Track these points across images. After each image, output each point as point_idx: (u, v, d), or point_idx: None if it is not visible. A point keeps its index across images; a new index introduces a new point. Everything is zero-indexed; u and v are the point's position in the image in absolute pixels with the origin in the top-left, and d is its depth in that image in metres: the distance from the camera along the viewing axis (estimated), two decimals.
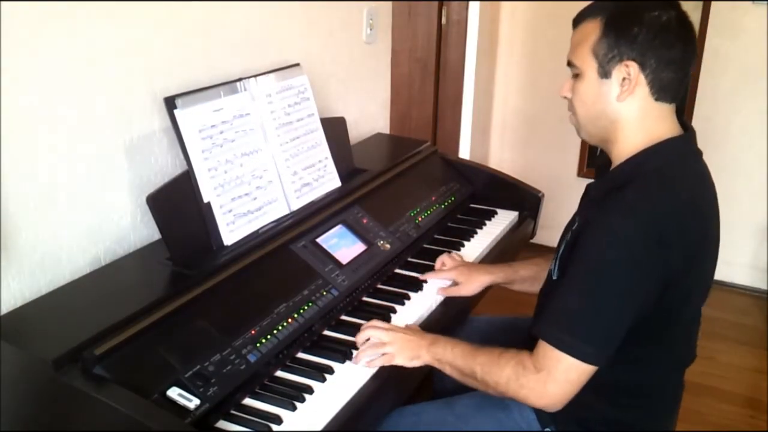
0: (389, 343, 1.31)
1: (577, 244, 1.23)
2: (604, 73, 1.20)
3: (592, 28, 1.20)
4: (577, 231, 1.28)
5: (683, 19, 1.18)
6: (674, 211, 1.16)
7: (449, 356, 1.29)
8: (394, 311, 1.48)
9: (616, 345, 1.17)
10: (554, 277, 1.31)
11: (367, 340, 1.34)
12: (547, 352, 1.17)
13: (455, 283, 1.59)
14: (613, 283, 1.15)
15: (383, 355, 1.30)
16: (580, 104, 1.25)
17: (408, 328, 1.38)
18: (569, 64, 1.25)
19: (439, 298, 1.56)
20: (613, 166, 1.27)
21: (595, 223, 1.19)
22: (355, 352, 1.32)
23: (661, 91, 1.19)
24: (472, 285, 1.58)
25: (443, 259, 1.65)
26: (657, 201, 1.16)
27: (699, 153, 1.26)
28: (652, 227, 1.13)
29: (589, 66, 1.21)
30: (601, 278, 1.16)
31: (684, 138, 1.24)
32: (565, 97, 1.28)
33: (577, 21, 1.25)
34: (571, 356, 1.14)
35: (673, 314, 1.23)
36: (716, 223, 1.27)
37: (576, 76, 1.25)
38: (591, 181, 1.37)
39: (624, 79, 1.18)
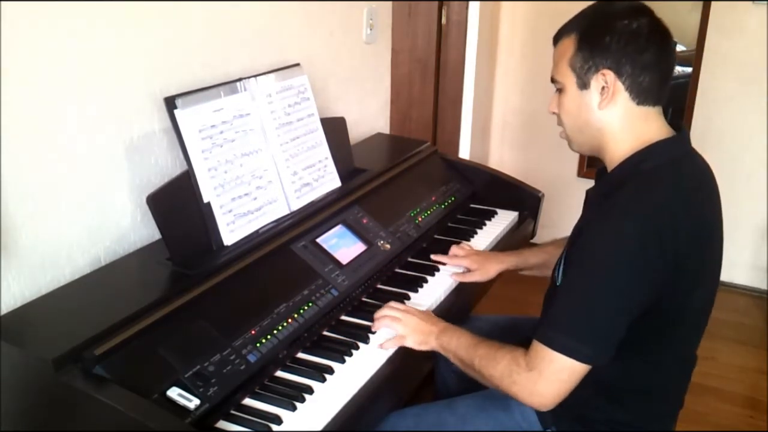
0: (403, 323, 1.37)
1: (575, 245, 1.24)
2: (583, 85, 1.24)
3: (569, 44, 1.24)
4: (576, 236, 1.29)
5: (655, 23, 1.21)
6: (669, 209, 1.17)
7: (454, 345, 1.33)
8: None
9: (614, 344, 1.17)
10: (558, 283, 1.32)
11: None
12: (539, 351, 1.18)
13: (468, 271, 1.65)
14: (609, 282, 1.16)
15: (396, 337, 1.36)
16: (566, 117, 1.29)
17: (423, 313, 1.42)
18: (552, 80, 1.29)
19: (440, 299, 1.56)
20: (609, 170, 1.29)
21: (592, 225, 1.22)
22: (371, 332, 1.39)
23: (641, 95, 1.21)
24: (485, 271, 1.64)
25: (454, 250, 1.70)
26: (651, 200, 1.17)
27: (694, 153, 1.27)
28: (648, 226, 1.14)
29: (568, 80, 1.25)
30: (597, 278, 1.17)
31: (675, 139, 1.25)
32: (554, 113, 1.32)
33: (556, 39, 1.29)
34: (564, 355, 1.15)
35: (676, 313, 1.23)
36: (718, 223, 1.28)
37: (559, 90, 1.29)
38: (590, 186, 1.38)
39: (603, 87, 1.22)
